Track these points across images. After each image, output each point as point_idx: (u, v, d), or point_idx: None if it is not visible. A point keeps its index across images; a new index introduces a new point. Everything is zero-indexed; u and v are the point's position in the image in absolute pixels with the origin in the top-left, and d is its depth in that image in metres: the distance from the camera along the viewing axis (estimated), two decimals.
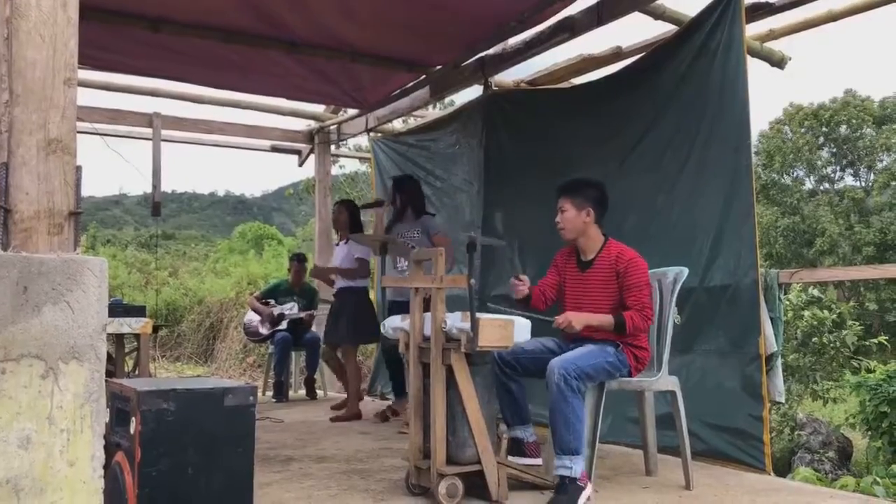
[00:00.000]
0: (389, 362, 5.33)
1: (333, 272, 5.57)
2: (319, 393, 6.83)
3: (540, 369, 3.18)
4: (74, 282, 1.87)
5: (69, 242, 1.93)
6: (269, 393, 6.69)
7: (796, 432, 8.15)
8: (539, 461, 3.31)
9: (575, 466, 2.88)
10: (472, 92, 6.06)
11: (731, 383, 3.84)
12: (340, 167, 14.55)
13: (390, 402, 5.41)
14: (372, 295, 7.02)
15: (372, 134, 7.16)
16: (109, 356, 5.53)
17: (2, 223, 1.86)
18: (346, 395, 5.65)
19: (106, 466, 1.94)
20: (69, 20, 1.97)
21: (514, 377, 3.29)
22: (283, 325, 6.50)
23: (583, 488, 2.88)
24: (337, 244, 5.81)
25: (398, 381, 5.25)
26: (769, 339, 3.79)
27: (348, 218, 5.57)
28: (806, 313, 9.25)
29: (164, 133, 6.70)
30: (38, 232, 1.90)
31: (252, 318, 6.67)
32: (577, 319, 3.12)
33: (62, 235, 1.92)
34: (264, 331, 6.57)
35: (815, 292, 9.53)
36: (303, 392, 6.91)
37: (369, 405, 5.98)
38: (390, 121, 7.09)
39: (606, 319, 3.12)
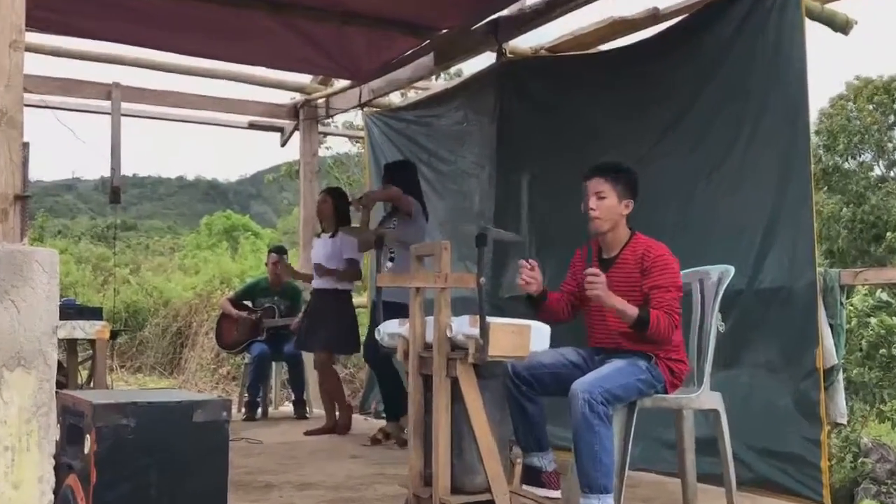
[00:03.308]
0: (382, 377, 5.31)
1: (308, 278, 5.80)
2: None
3: (561, 387, 3.13)
4: (20, 277, 1.88)
5: (14, 231, 1.95)
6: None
7: (860, 459, 8.14)
8: (558, 493, 3.29)
9: None
10: (483, 60, 6.06)
11: (783, 402, 3.83)
12: (327, 148, 14.56)
13: (383, 425, 5.39)
14: (365, 298, 7.02)
15: (366, 109, 7.17)
16: (60, 365, 5.56)
17: None
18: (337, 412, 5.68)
19: (56, 490, 1.96)
20: None
21: (531, 395, 3.24)
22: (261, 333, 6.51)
23: None
24: (318, 236, 5.81)
25: (393, 399, 5.20)
26: (828, 350, 3.78)
27: (333, 208, 5.57)
28: (872, 320, 9.21)
29: (125, 106, 6.71)
30: None
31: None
32: (606, 293, 3.05)
33: (6, 223, 1.94)
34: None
35: (884, 296, 9.49)
36: (284, 408, 6.93)
37: (361, 424, 5.99)
38: (387, 94, 7.10)
39: (631, 310, 3.06)
